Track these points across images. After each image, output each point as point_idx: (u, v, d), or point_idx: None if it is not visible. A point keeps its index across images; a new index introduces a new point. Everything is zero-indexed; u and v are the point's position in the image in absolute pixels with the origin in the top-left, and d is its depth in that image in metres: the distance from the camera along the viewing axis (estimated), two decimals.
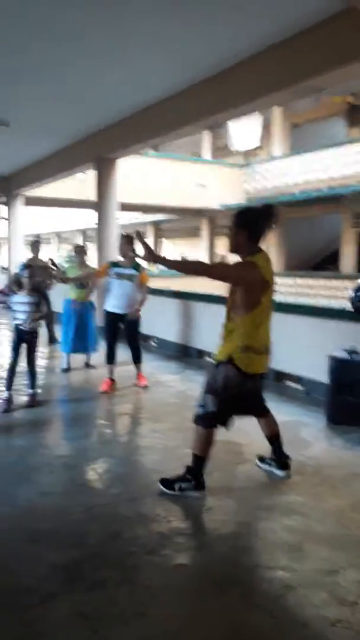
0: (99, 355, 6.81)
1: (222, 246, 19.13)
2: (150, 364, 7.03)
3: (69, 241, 33.09)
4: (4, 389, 5.12)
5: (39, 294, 5.25)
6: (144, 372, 6.02)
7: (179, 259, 23.34)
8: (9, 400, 5.04)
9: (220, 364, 3.14)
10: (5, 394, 5.08)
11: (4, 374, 5.22)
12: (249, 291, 3.07)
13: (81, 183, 13.92)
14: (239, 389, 3.10)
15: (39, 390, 5.32)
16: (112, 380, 5.76)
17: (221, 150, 20.54)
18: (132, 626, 2.16)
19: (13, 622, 2.17)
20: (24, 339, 5.11)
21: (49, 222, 27.78)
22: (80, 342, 6.60)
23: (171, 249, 26.78)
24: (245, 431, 3.88)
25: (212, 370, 3.21)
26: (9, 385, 5.09)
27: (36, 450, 4.09)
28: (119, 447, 4.30)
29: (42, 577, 2.47)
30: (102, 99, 7.31)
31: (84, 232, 28.96)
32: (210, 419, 3.14)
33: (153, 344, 8.22)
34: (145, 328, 7.73)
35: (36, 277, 5.21)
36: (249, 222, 3.17)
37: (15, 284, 5.10)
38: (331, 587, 2.39)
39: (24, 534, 2.85)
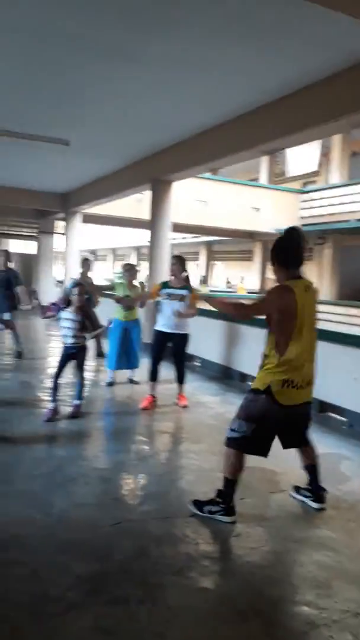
0: (142, 371, 6.93)
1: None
2: (192, 384, 7.06)
3: (124, 258, 33.82)
4: (50, 399, 5.28)
5: (84, 312, 5.39)
6: (186, 391, 6.06)
7: (230, 282, 23.39)
8: (54, 411, 5.19)
9: (256, 391, 3.13)
10: (51, 405, 5.24)
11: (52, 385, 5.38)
12: (283, 318, 3.04)
13: (137, 202, 14.29)
14: (274, 419, 3.06)
15: (83, 402, 5.43)
16: (154, 397, 5.83)
17: (279, 176, 20.58)
18: None
19: (36, 628, 2.23)
20: (70, 353, 5.26)
21: (105, 239, 28.49)
22: (125, 359, 6.73)
23: (223, 271, 26.83)
24: (283, 459, 3.83)
25: (248, 396, 3.20)
26: (54, 397, 5.24)
27: (74, 461, 4.18)
28: (154, 465, 4.33)
29: (68, 587, 2.52)
30: (160, 122, 7.50)
31: (138, 250, 29.52)
32: (241, 444, 3.13)
33: (196, 364, 8.24)
34: (189, 348, 7.80)
35: (84, 295, 5.36)
36: (277, 250, 3.18)
37: (64, 300, 5.28)
38: (357, 630, 2.31)
39: (55, 543, 2.92)
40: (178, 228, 19.01)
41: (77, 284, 5.38)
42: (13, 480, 3.73)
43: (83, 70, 5.72)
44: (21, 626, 2.23)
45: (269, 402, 3.03)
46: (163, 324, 5.79)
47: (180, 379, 5.97)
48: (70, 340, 5.23)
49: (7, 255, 8.27)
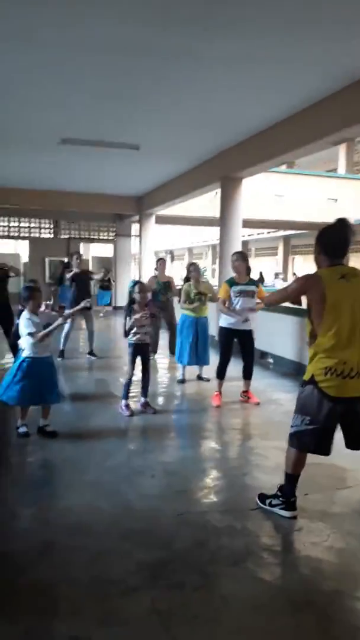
0: (211, 368, 7.00)
1: (356, 262, 18.33)
2: (265, 380, 7.04)
3: (200, 257, 34.04)
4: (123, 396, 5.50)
5: (150, 309, 5.53)
6: (258, 388, 6.06)
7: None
8: (128, 407, 5.40)
9: (304, 382, 3.09)
10: (124, 402, 5.46)
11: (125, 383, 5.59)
12: (312, 305, 2.98)
13: (210, 201, 14.38)
14: (327, 412, 2.98)
15: (147, 399, 5.59)
16: (221, 394, 5.88)
17: (358, 165, 19.85)
18: (202, 630, 2.24)
19: (96, 607, 2.36)
20: (139, 351, 5.44)
21: (181, 238, 28.85)
22: (196, 355, 6.82)
23: (302, 265, 26.25)
24: (353, 455, 3.74)
25: (300, 388, 3.17)
26: (127, 395, 5.46)
27: (142, 455, 4.34)
28: (221, 460, 4.39)
29: (129, 571, 2.64)
30: (228, 120, 7.52)
31: (213, 248, 29.58)
32: (298, 438, 3.10)
33: (269, 361, 8.19)
34: (262, 344, 7.77)
35: (146, 293, 5.50)
36: (320, 238, 3.12)
37: (129, 300, 5.43)
38: None
39: (119, 531, 3.06)
40: (254, 224, 18.97)
41: (136, 282, 5.53)
42: (84, 471, 3.94)
43: (150, 76, 5.88)
44: (82, 605, 2.38)
45: (315, 392, 2.97)
46: (230, 321, 5.81)
47: (249, 375, 5.97)
48: (138, 337, 5.39)
49: (80, 256, 8.65)
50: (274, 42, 4.92)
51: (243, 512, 3.32)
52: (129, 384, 5.47)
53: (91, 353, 8.58)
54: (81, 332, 9.35)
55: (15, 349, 5.41)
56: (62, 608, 2.35)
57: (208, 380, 6.89)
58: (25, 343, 4.54)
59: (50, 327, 4.50)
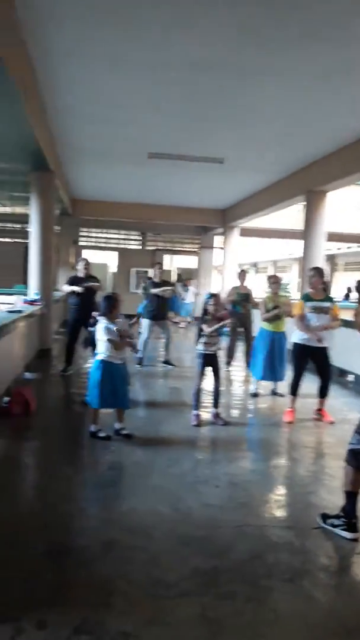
0: (285, 384, 6.91)
1: None
2: (342, 399, 6.85)
3: (285, 270, 33.53)
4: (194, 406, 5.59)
5: (220, 321, 5.57)
6: (334, 406, 5.91)
7: None
8: (198, 416, 5.49)
9: None
10: (195, 411, 5.55)
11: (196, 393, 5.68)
12: None
13: (297, 214, 14.23)
14: None
15: (219, 410, 5.63)
16: (294, 410, 5.80)
17: None
18: None
19: (148, 607, 2.45)
20: (208, 362, 5.50)
21: (266, 251, 28.63)
22: (271, 370, 6.76)
23: None
24: None
25: None
26: (197, 404, 5.54)
27: (208, 465, 4.40)
28: (287, 476, 4.33)
29: (183, 576, 2.71)
30: (313, 134, 7.47)
31: (299, 261, 29.02)
32: (355, 456, 3.03)
33: (349, 379, 7.93)
34: (341, 362, 7.57)
35: (221, 305, 5.55)
36: None
37: (203, 311, 5.53)
38: None
39: (177, 536, 3.14)
40: (342, 237, 18.44)
41: (212, 295, 5.61)
42: (150, 475, 4.06)
43: (234, 93, 6.02)
44: (135, 603, 2.47)
45: None
46: (305, 338, 5.70)
47: (324, 393, 5.83)
48: (207, 348, 5.45)
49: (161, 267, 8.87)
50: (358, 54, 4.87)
51: (304, 530, 3.28)
52: (197, 393, 5.55)
53: (167, 362, 8.75)
54: (160, 340, 9.56)
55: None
56: (116, 604, 2.46)
57: (282, 395, 6.81)
58: (102, 348, 4.77)
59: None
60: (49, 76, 5.73)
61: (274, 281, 6.84)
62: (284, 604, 2.53)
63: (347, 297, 18.86)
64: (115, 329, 4.74)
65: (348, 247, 23.15)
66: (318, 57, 4.97)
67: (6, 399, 5.72)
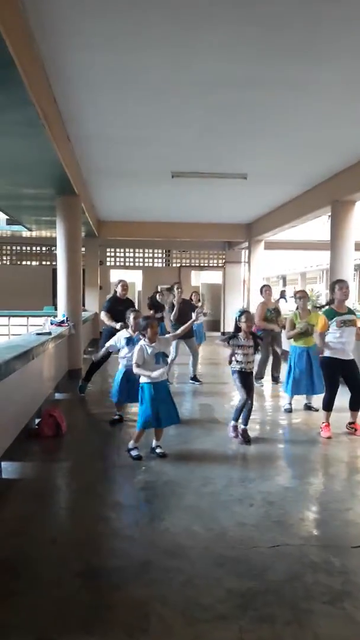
0: (318, 397, 6.80)
1: None
2: None
3: (315, 281, 33.22)
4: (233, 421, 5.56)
5: (255, 338, 5.53)
6: None
7: None
8: (236, 428, 5.51)
9: None
10: (233, 423, 5.56)
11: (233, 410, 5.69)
12: None
13: (323, 225, 14.13)
14: None
15: (247, 427, 5.56)
16: (329, 425, 5.69)
17: None
18: None
19: (185, 630, 2.41)
20: (245, 378, 5.46)
21: (294, 263, 28.46)
22: (305, 384, 6.65)
23: None
24: None
25: None
26: (238, 416, 5.55)
27: (242, 483, 4.33)
28: (323, 492, 4.22)
29: (219, 598, 2.66)
30: (337, 144, 7.41)
31: (327, 272, 28.74)
32: None
33: None
34: None
35: (252, 322, 5.51)
36: None
37: (234, 328, 5.50)
38: None
39: (212, 556, 3.09)
40: None
41: (243, 311, 5.57)
42: (183, 494, 4.03)
43: (256, 109, 6.03)
44: (170, 625, 2.43)
45: None
46: (340, 352, 5.58)
47: (356, 407, 5.71)
48: (242, 365, 5.42)
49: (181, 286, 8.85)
50: None
51: (343, 549, 3.19)
52: (241, 407, 5.50)
53: (194, 378, 8.71)
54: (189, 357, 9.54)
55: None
56: (152, 626, 2.42)
57: (317, 410, 6.70)
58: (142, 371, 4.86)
59: (144, 372, 4.81)
60: (70, 105, 5.87)
61: (301, 296, 6.77)
62: (325, 627, 2.45)
63: None
64: (150, 351, 4.79)
65: None
66: (341, 67, 4.95)
67: (37, 420, 5.78)
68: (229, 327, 17.43)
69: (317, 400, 6.81)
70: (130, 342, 5.79)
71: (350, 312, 5.67)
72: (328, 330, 5.59)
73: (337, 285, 5.70)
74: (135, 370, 4.86)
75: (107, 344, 6.19)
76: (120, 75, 5.10)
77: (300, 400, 6.92)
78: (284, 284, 34.76)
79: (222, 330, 17.70)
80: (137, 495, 4.09)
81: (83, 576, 2.86)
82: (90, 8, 3.95)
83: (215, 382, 9.03)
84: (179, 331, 5.52)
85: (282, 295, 15.38)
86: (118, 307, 7.11)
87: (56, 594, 2.69)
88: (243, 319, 5.40)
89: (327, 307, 5.78)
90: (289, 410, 6.76)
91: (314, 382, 6.62)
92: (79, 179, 8.97)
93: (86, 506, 3.84)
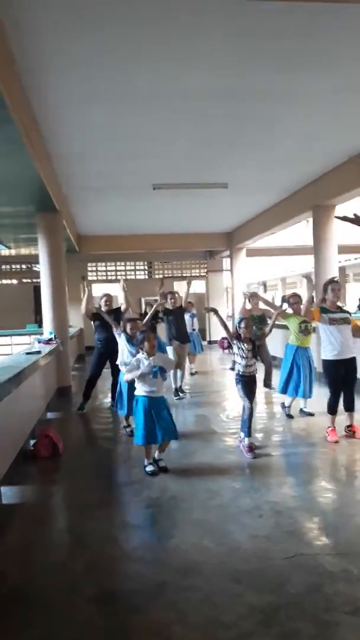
0: (313, 401, 6.80)
1: None
2: None
3: (295, 286, 33.46)
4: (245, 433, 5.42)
5: (254, 343, 5.51)
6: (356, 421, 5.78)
7: None
8: (252, 449, 5.30)
9: None
10: (248, 440, 5.37)
11: (241, 421, 5.55)
12: None
13: (302, 230, 14.25)
14: None
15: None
16: (335, 429, 5.65)
17: None
18: None
19: None
20: (248, 385, 5.41)
21: (274, 269, 28.66)
22: (300, 387, 6.62)
23: None
24: None
25: None
26: (250, 431, 5.40)
27: (248, 493, 4.26)
28: (331, 499, 4.18)
29: (240, 615, 2.59)
30: (318, 151, 7.50)
31: (308, 277, 28.95)
32: None
33: None
34: None
35: (252, 328, 5.48)
36: None
37: (235, 334, 5.47)
38: None
39: (228, 572, 3.02)
40: (350, 249, 18.41)
41: (243, 318, 5.54)
42: (190, 509, 3.95)
43: (239, 119, 6.07)
44: None
45: None
46: (335, 353, 5.55)
47: (351, 408, 5.69)
48: (245, 370, 5.38)
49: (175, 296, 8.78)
50: None
51: (359, 556, 3.14)
52: (249, 418, 5.39)
53: (179, 390, 8.42)
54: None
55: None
56: None
57: (312, 414, 6.68)
58: (139, 384, 4.80)
59: (132, 374, 4.79)
60: (51, 121, 5.82)
61: (296, 301, 6.75)
62: (352, 639, 2.39)
63: None
64: (146, 364, 4.73)
65: (355, 258, 23.13)
66: (323, 77, 5.01)
67: (32, 441, 5.65)
68: (215, 336, 17.45)
69: (311, 403, 6.82)
70: (130, 342, 5.78)
71: (343, 311, 5.68)
72: (318, 322, 5.63)
73: (330, 286, 5.70)
74: (127, 376, 4.85)
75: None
76: (102, 89, 5.08)
77: (294, 406, 6.89)
78: (265, 290, 34.97)
79: (208, 339, 17.67)
80: (143, 513, 4.00)
81: (97, 601, 2.77)
82: (71, 24, 3.92)
83: (208, 392, 8.98)
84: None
85: (285, 300, 15.21)
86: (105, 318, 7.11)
87: (71, 622, 2.59)
88: (243, 325, 5.37)
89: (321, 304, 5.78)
90: (290, 416, 6.70)
91: (305, 384, 6.60)
92: (60, 195, 8.91)
93: (92, 528, 3.73)
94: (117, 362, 6.18)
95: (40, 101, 5.24)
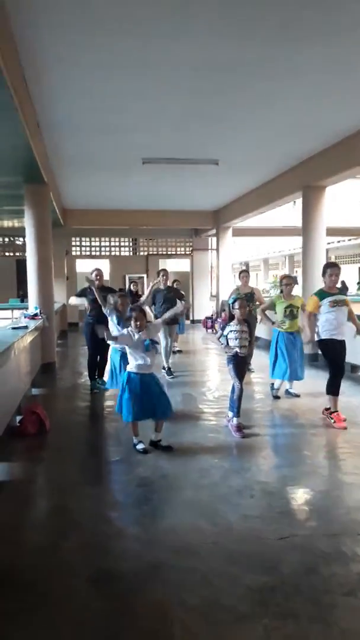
0: (300, 384, 6.83)
1: None
2: (357, 398, 6.76)
3: (277, 267, 33.59)
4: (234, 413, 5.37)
5: (248, 323, 5.47)
6: (351, 405, 5.81)
7: None
8: (240, 429, 5.26)
9: None
10: (236, 420, 5.34)
11: (230, 400, 5.50)
12: None
13: (288, 211, 14.18)
14: None
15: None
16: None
17: None
18: None
19: (211, 634, 2.33)
20: (240, 364, 5.37)
21: (256, 249, 28.65)
22: (291, 370, 6.62)
23: None
24: None
25: None
26: (239, 411, 5.35)
27: (239, 473, 4.27)
28: (320, 480, 4.21)
29: (239, 597, 2.59)
30: (310, 129, 7.40)
31: (290, 258, 29.11)
32: None
33: None
34: (352, 357, 7.46)
35: (246, 309, 5.42)
36: None
37: (228, 315, 5.42)
38: None
39: (223, 553, 3.02)
40: (336, 232, 18.45)
41: (236, 299, 5.47)
42: (181, 489, 3.94)
43: (231, 93, 5.92)
44: (195, 630, 2.35)
45: None
46: (335, 333, 5.49)
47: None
48: (241, 350, 5.32)
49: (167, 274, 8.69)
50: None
51: (352, 537, 3.18)
52: (239, 398, 5.35)
53: (169, 371, 8.39)
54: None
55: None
56: (177, 633, 2.33)
57: (298, 396, 6.72)
58: (130, 360, 4.76)
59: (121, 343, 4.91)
60: (41, 88, 5.60)
61: (287, 283, 6.70)
62: (351, 621, 2.41)
63: (344, 290, 18.85)
64: (135, 339, 4.67)
65: (338, 241, 23.28)
66: (315, 53, 4.90)
67: (18, 418, 5.57)
68: (199, 315, 17.43)
69: (297, 385, 6.86)
70: (121, 321, 5.72)
71: (341, 292, 5.66)
72: (319, 312, 5.55)
73: (328, 270, 5.63)
74: (113, 343, 4.97)
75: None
76: (90, 54, 4.87)
77: (282, 386, 6.91)
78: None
79: (191, 318, 17.64)
80: (135, 492, 3.96)
81: (94, 583, 2.74)
82: None
83: (193, 371, 8.98)
84: (166, 315, 5.36)
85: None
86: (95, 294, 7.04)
87: (71, 605, 2.56)
88: (237, 305, 5.30)
89: (318, 289, 5.73)
90: (277, 397, 6.72)
91: (296, 368, 6.61)
92: (47, 166, 8.66)
93: (84, 507, 3.70)
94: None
95: (31, 63, 5.01)
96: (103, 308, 6.20)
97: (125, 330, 4.86)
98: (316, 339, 5.66)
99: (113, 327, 5.92)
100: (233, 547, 3.09)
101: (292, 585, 2.69)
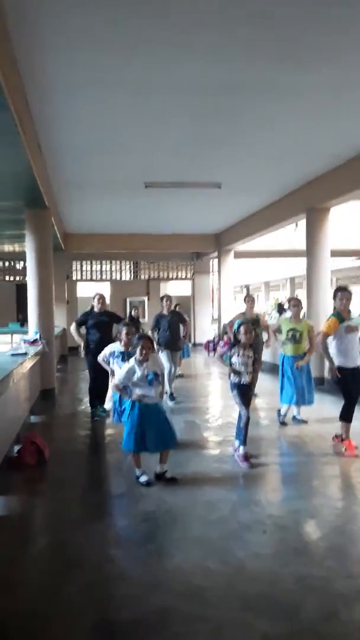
0: (308, 410, 6.64)
1: None
2: None
3: (278, 289, 33.54)
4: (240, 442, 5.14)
5: (254, 348, 5.30)
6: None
7: None
8: (247, 458, 5.03)
9: None
10: (243, 449, 5.10)
11: (236, 428, 5.26)
12: None
13: (291, 233, 14.14)
14: None
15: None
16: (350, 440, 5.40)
17: None
18: None
19: None
20: (244, 392, 5.16)
21: (257, 272, 28.62)
22: (299, 394, 6.41)
23: None
24: None
25: None
26: (245, 439, 5.11)
27: (248, 507, 4.05)
28: (333, 513, 3.99)
29: None
30: (315, 152, 7.34)
31: (292, 280, 29.06)
32: None
33: None
34: None
35: (251, 333, 5.23)
36: None
37: (233, 340, 5.20)
38: None
39: (236, 597, 2.80)
40: (340, 253, 18.32)
41: (242, 323, 5.29)
42: (188, 525, 3.73)
43: (234, 116, 5.87)
44: None
45: None
46: (350, 359, 5.29)
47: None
48: (245, 378, 5.13)
49: (170, 299, 8.57)
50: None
51: None
52: (246, 425, 5.11)
53: (171, 396, 8.21)
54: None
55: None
56: None
57: (305, 422, 6.52)
58: (133, 388, 4.57)
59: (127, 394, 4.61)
60: (43, 111, 5.55)
61: (295, 304, 6.56)
62: None
63: None
64: (139, 373, 4.49)
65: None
66: (324, 72, 4.84)
67: (17, 447, 5.37)
68: (200, 338, 17.27)
69: (304, 411, 6.65)
70: (126, 359, 5.45)
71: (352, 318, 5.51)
72: (333, 335, 5.34)
73: (339, 294, 5.45)
74: (116, 383, 4.64)
75: (100, 358, 5.81)
76: (93, 75, 4.79)
77: (289, 412, 6.70)
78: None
79: (192, 342, 17.47)
80: (139, 528, 3.75)
81: (96, 632, 2.53)
82: (69, 4, 3.68)
83: (195, 396, 8.78)
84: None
85: (281, 307, 15.18)
86: (97, 319, 6.95)
87: None
88: (242, 330, 5.11)
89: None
90: (284, 424, 6.51)
91: (304, 392, 6.43)
92: (49, 190, 8.61)
93: (85, 545, 3.47)
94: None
95: (33, 86, 4.95)
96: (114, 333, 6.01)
97: (126, 366, 4.63)
98: (327, 364, 5.48)
99: (117, 368, 5.63)
100: (245, 589, 2.88)
101: (312, 632, 2.49)
